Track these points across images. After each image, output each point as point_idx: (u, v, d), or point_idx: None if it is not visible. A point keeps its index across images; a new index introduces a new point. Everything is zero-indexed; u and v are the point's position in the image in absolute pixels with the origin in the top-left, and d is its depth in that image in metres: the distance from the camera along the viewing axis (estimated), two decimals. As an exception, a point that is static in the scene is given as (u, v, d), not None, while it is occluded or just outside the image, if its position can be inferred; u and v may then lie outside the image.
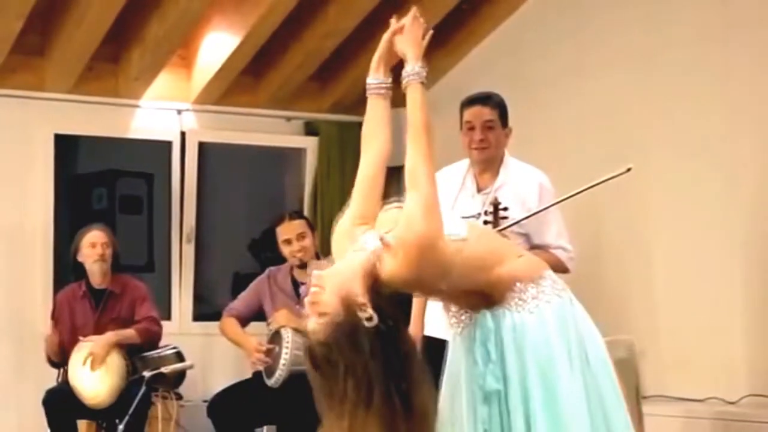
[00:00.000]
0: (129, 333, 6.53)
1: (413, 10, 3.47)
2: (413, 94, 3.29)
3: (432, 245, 3.12)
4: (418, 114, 3.26)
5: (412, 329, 5.18)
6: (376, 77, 3.52)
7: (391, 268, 3.13)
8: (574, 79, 7.16)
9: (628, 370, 5.90)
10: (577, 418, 3.26)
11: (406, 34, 3.46)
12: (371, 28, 7.49)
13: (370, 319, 3.01)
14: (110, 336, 6.47)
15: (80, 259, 6.71)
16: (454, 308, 3.45)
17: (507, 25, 7.63)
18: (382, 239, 3.15)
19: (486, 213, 4.98)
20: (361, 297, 3.05)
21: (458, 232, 3.28)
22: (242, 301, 6.66)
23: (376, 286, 3.11)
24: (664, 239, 6.63)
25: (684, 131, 6.53)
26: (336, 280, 3.10)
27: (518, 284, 3.32)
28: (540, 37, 7.40)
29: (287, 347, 6.13)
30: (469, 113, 5.10)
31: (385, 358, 2.99)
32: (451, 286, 3.29)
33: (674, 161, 6.56)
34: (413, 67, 3.34)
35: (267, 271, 6.66)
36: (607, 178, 4.94)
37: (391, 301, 3.13)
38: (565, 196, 5.00)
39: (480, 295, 3.35)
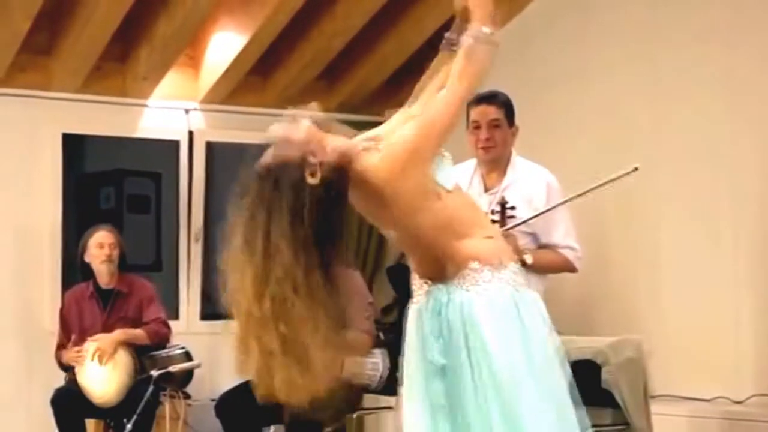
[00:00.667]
0: (138, 333, 6.54)
1: None
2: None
3: (420, 157, 3.22)
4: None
5: None
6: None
7: (370, 161, 3.22)
8: (579, 80, 7.15)
9: (636, 369, 5.90)
10: (525, 394, 3.27)
11: None
12: (378, 27, 7.51)
13: (313, 175, 3.12)
14: (118, 334, 6.49)
15: (87, 259, 6.72)
16: (417, 277, 3.47)
17: (512, 26, 7.62)
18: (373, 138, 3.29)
19: (493, 212, 4.98)
20: (319, 159, 3.14)
21: (445, 183, 3.34)
22: None
23: (342, 165, 3.19)
24: (671, 239, 6.63)
25: (689, 132, 6.52)
26: (317, 134, 3.22)
27: (475, 263, 3.33)
28: (545, 38, 7.40)
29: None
30: (475, 112, 5.10)
31: (313, 217, 3.11)
32: (412, 233, 3.33)
33: (680, 161, 6.55)
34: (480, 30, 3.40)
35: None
36: (614, 178, 4.95)
37: (339, 192, 3.21)
38: (573, 196, 5.00)
39: (438, 265, 3.38)
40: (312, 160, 3.15)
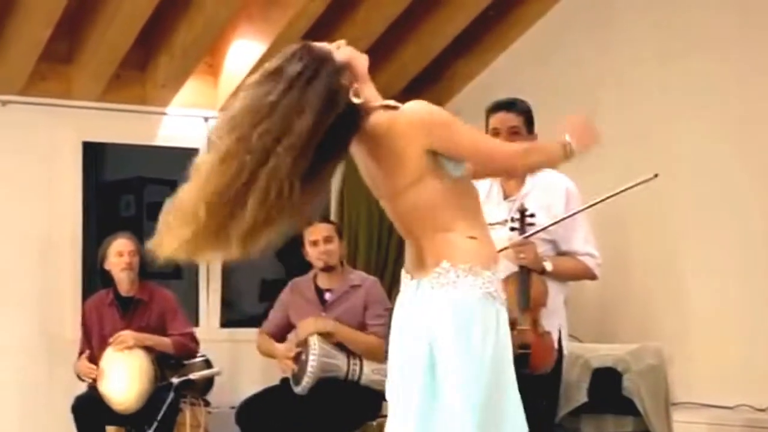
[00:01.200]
0: (164, 341, 6.56)
1: None
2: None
3: (451, 123, 3.38)
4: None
5: None
6: None
7: (390, 114, 3.37)
8: (600, 86, 7.14)
9: (657, 376, 5.89)
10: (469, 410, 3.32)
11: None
12: (398, 33, 7.51)
13: (356, 95, 3.31)
14: (145, 335, 6.50)
15: (107, 267, 6.74)
16: (408, 260, 3.54)
17: (533, 32, 7.62)
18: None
19: (513, 220, 4.97)
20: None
21: (453, 170, 3.42)
22: (272, 318, 6.69)
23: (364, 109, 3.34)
24: (692, 245, 6.60)
25: (711, 137, 6.50)
26: (358, 60, 3.42)
27: (445, 263, 3.38)
28: (567, 43, 7.39)
29: (314, 354, 6.14)
30: (495, 119, 5.09)
31: (328, 116, 3.20)
32: (405, 208, 3.42)
33: (702, 167, 6.53)
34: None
35: (290, 284, 6.65)
36: (633, 185, 4.94)
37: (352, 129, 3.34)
38: (592, 203, 4.99)
39: (420, 258, 3.45)
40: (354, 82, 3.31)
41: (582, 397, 5.92)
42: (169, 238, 3.27)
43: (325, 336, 6.21)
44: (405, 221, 3.50)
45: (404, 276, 3.56)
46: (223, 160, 3.19)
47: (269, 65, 3.29)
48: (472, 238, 3.43)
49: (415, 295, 3.47)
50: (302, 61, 3.25)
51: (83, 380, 6.62)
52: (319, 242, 6.46)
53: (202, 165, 3.26)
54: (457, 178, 3.44)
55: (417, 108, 3.42)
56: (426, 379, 3.37)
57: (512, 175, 3.61)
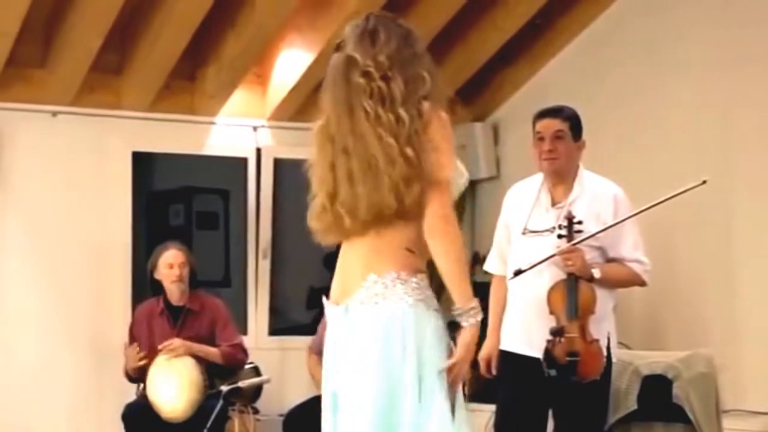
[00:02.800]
0: (213, 351, 6.58)
1: None
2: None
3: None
4: None
5: (488, 343, 5.18)
6: None
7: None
8: (650, 92, 7.11)
9: (707, 384, 5.85)
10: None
11: None
12: (445, 42, 7.52)
13: None
14: (194, 344, 6.54)
15: (158, 277, 6.77)
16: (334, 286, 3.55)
17: (581, 39, 7.60)
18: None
19: (560, 227, 4.96)
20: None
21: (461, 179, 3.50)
22: (320, 332, 6.69)
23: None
24: (742, 251, 6.56)
25: (763, 143, 6.46)
26: None
27: (372, 275, 3.40)
28: (614, 51, 7.36)
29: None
30: (540, 125, 5.10)
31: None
32: (407, 197, 3.37)
33: (756, 172, 6.49)
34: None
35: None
36: (682, 191, 4.92)
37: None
38: (641, 209, 4.97)
39: (349, 272, 3.46)
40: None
41: (631, 405, 5.90)
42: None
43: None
44: (389, 237, 3.49)
45: (327, 306, 3.55)
46: None
47: None
48: (408, 250, 3.44)
49: (345, 321, 3.46)
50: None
51: (132, 380, 6.65)
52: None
53: None
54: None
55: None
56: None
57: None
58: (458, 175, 3.53)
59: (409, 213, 3.39)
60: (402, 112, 3.38)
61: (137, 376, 6.63)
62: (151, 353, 6.59)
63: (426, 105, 3.43)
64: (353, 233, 3.46)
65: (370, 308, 3.40)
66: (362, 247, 3.47)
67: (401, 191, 3.37)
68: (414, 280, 3.41)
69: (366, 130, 3.40)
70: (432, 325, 3.44)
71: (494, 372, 5.16)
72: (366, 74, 3.44)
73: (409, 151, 3.36)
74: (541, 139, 5.07)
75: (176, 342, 6.52)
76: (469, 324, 3.41)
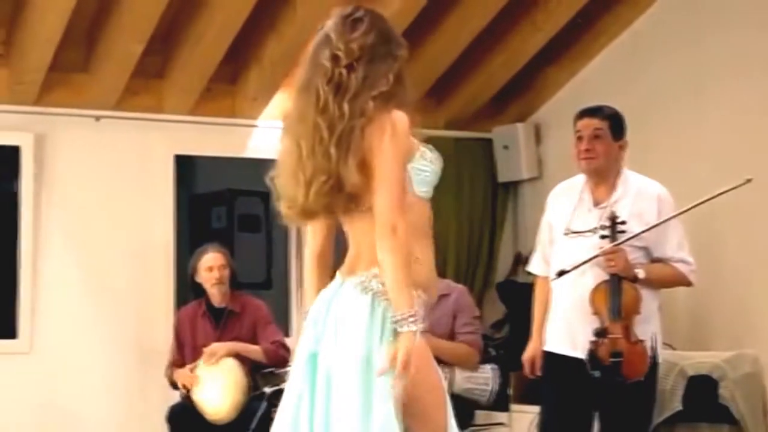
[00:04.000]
0: (255, 349, 6.61)
1: None
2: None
3: (392, 157, 3.35)
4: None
5: (532, 344, 5.17)
6: None
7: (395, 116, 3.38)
8: (691, 92, 7.07)
9: (753, 384, 5.82)
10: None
11: None
12: (487, 43, 7.51)
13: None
14: (235, 343, 6.56)
15: (198, 280, 6.80)
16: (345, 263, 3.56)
17: (622, 40, 7.57)
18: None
19: (603, 227, 4.95)
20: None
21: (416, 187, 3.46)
22: None
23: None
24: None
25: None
26: None
27: (376, 269, 3.38)
28: (655, 50, 7.33)
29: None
30: (580, 124, 5.10)
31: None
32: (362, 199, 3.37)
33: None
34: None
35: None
36: (726, 190, 4.90)
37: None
38: (684, 209, 4.95)
39: (356, 257, 3.47)
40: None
41: (677, 405, 5.87)
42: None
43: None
44: (360, 236, 3.51)
45: (336, 278, 3.58)
46: None
47: None
48: (416, 259, 3.43)
49: (336, 292, 3.50)
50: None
51: (177, 388, 6.69)
52: (410, 253, 6.46)
53: None
54: (415, 196, 3.47)
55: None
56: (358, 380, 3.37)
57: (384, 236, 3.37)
58: (423, 166, 3.51)
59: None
60: (346, 106, 3.34)
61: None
62: (195, 355, 6.62)
63: (371, 104, 3.36)
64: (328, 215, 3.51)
65: (360, 294, 3.41)
66: (356, 236, 3.51)
67: (311, 185, 3.37)
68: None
69: (308, 114, 3.40)
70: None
71: (538, 373, 5.15)
72: (334, 57, 3.41)
73: (333, 150, 3.33)
74: (580, 138, 5.07)
75: (215, 346, 6.53)
76: (408, 329, 3.31)
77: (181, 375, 6.61)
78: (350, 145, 3.31)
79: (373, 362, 3.34)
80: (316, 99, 3.39)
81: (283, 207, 3.51)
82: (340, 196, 3.36)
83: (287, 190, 3.46)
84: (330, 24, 3.51)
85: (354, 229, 3.51)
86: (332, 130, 3.33)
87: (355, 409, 3.34)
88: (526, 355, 5.19)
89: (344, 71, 3.37)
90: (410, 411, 3.41)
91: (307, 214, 3.47)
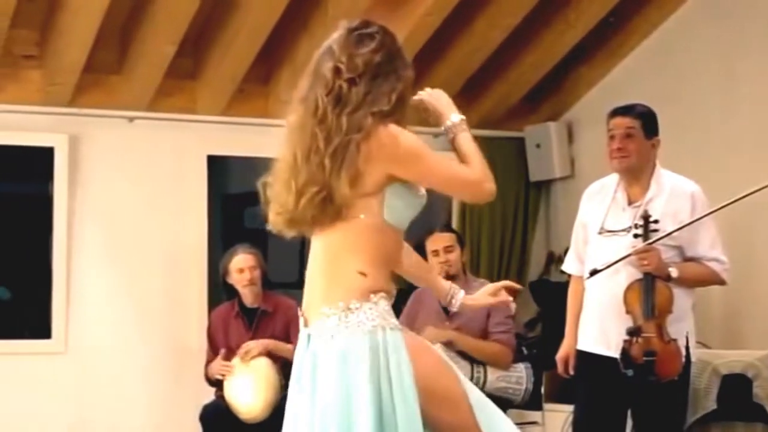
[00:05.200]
0: (287, 347, 6.61)
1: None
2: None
3: (418, 157, 3.31)
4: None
5: (566, 343, 5.17)
6: None
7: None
8: (723, 90, 7.04)
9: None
10: None
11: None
12: (518, 42, 7.50)
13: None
14: (268, 341, 6.58)
15: (230, 281, 6.82)
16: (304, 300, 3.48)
17: (654, 39, 7.55)
18: None
19: (636, 226, 4.94)
20: None
21: (394, 221, 3.35)
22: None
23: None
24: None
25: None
26: None
27: (325, 308, 3.30)
28: (688, 50, 7.30)
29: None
30: (611, 123, 5.09)
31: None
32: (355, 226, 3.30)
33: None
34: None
35: (414, 294, 6.64)
36: (760, 188, 4.88)
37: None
38: (717, 207, 4.93)
39: (311, 292, 3.39)
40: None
41: (711, 404, 5.86)
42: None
43: (447, 345, 6.22)
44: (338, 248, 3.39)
45: (300, 323, 3.48)
46: None
47: None
48: (361, 273, 3.31)
49: (307, 351, 3.39)
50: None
51: (213, 384, 6.71)
52: (440, 252, 6.47)
53: None
54: (387, 223, 3.35)
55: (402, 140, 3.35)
56: None
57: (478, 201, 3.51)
58: (404, 198, 3.38)
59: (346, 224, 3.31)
60: (344, 120, 3.30)
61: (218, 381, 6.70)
62: (229, 355, 6.64)
63: (369, 120, 3.29)
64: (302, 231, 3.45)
65: (326, 342, 3.31)
66: (315, 261, 3.42)
67: (302, 194, 3.32)
68: (367, 305, 3.29)
69: (307, 123, 3.37)
70: (391, 345, 3.29)
71: (571, 372, 5.15)
72: (335, 70, 3.38)
73: (327, 161, 3.27)
74: (612, 137, 5.06)
75: (250, 344, 6.56)
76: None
77: (215, 364, 6.63)
78: (345, 159, 3.26)
79: (382, 403, 3.23)
80: (314, 109, 3.36)
81: (271, 213, 3.45)
82: (330, 208, 3.30)
83: (279, 197, 3.41)
84: (335, 36, 3.50)
85: (320, 246, 3.40)
86: (329, 142, 3.29)
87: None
88: (560, 354, 5.19)
89: (345, 84, 3.34)
90: (429, 403, 3.34)
91: (294, 223, 3.40)
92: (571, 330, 5.15)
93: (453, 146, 3.42)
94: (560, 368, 5.20)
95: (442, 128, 3.45)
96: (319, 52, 3.49)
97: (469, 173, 3.37)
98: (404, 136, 3.32)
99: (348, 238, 3.32)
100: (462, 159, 3.39)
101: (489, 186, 3.40)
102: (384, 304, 3.32)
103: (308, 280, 3.44)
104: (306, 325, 3.42)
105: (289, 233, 3.47)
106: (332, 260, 3.35)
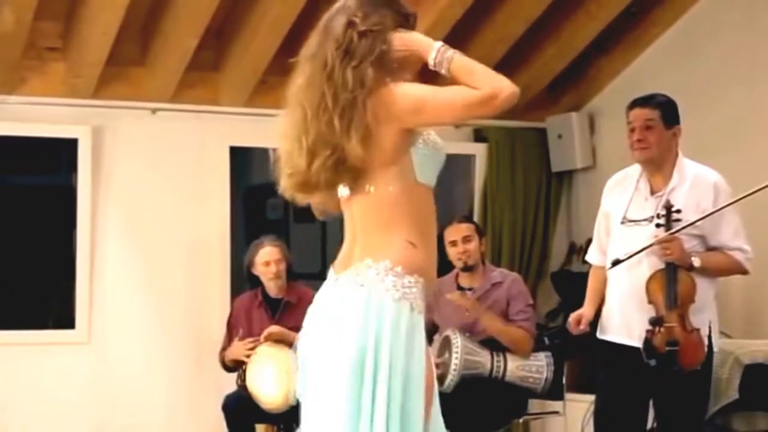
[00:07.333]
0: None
1: None
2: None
3: (424, 101, 3.28)
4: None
5: (584, 307, 5.19)
6: None
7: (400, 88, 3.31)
8: (746, 80, 7.03)
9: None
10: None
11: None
12: (539, 33, 7.50)
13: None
14: (292, 332, 6.60)
15: (255, 272, 6.83)
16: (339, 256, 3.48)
17: (675, 30, 7.53)
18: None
19: (659, 216, 4.94)
20: None
21: (420, 175, 3.35)
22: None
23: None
24: None
25: None
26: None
27: (368, 260, 3.30)
28: (710, 41, 7.28)
29: (457, 352, 6.17)
30: (631, 115, 5.10)
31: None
32: (369, 196, 3.31)
33: None
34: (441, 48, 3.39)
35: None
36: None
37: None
38: (740, 197, 4.93)
39: (350, 252, 3.39)
40: None
41: (733, 394, 5.86)
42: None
43: (472, 329, 6.25)
44: (362, 213, 3.40)
45: (330, 273, 3.48)
46: None
47: None
48: (411, 243, 3.33)
49: (332, 291, 3.40)
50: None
51: (229, 370, 6.72)
52: (458, 242, 6.49)
53: None
54: (419, 183, 3.37)
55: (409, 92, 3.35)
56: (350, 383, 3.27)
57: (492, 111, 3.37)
58: (426, 150, 3.38)
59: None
60: (349, 73, 3.29)
61: (235, 366, 6.71)
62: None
63: (370, 72, 3.29)
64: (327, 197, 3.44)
65: (356, 289, 3.30)
66: (356, 225, 3.41)
67: (314, 154, 3.30)
68: (409, 278, 3.30)
69: (315, 80, 3.36)
70: (407, 325, 3.28)
71: (582, 328, 5.14)
72: (350, 23, 3.37)
73: (336, 121, 3.27)
74: (632, 129, 5.07)
75: (273, 328, 6.56)
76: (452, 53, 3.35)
77: (236, 346, 6.66)
78: (353, 118, 3.26)
79: (366, 366, 3.24)
80: (323, 64, 3.35)
81: (283, 177, 3.41)
82: (344, 170, 3.30)
83: (291, 157, 3.36)
84: None
85: (352, 214, 3.41)
86: (336, 100, 3.28)
87: (342, 418, 3.30)
88: (575, 313, 5.20)
89: (356, 36, 3.33)
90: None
91: (308, 186, 3.37)
92: (590, 302, 5.18)
93: (451, 76, 3.34)
94: (572, 325, 5.19)
95: (431, 65, 3.37)
96: (331, 12, 3.47)
97: (479, 93, 3.29)
98: (402, 89, 3.32)
99: (383, 211, 3.33)
100: (466, 82, 3.31)
101: (505, 93, 3.34)
102: (421, 289, 3.32)
103: (348, 241, 3.43)
104: (336, 273, 3.43)
105: (301, 198, 3.45)
106: (374, 230, 3.35)
